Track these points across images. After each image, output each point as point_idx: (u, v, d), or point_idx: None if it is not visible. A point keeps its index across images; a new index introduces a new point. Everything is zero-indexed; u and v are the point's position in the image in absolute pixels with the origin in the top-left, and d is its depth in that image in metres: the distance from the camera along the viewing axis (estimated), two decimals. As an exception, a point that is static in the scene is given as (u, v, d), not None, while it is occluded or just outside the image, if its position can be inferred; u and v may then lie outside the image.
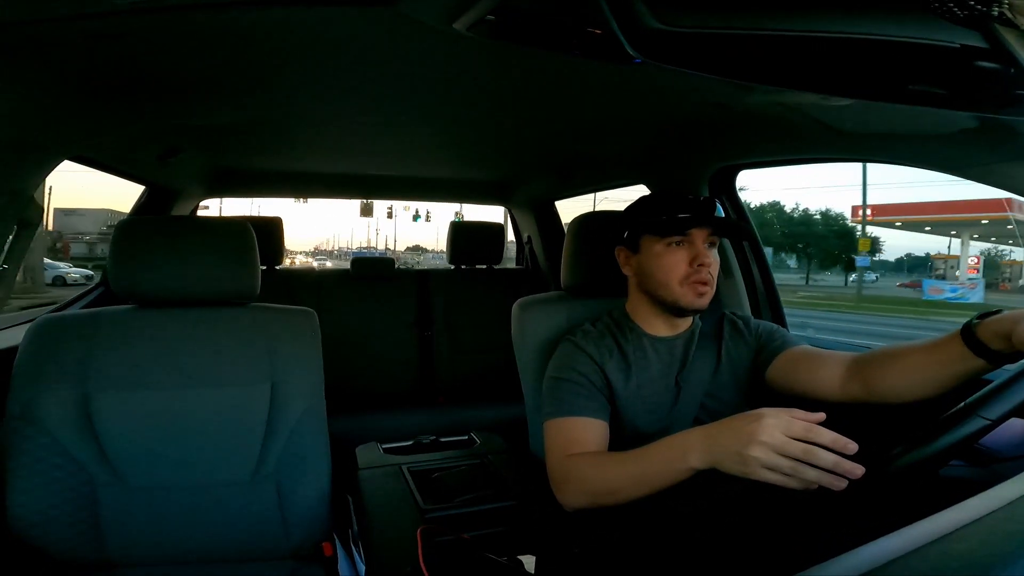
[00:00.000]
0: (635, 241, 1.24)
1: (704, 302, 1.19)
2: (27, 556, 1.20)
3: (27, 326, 1.30)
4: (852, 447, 0.77)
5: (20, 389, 1.23)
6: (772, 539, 0.98)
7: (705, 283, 1.17)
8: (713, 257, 1.19)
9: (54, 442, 1.22)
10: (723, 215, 1.21)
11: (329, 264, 21.38)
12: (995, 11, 0.54)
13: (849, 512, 0.88)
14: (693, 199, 1.20)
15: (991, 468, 1.02)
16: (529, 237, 3.36)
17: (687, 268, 1.17)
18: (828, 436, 0.78)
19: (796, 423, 0.80)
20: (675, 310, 1.22)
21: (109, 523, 1.24)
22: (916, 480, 0.87)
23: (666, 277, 1.18)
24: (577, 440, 1.12)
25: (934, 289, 21.86)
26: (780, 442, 0.79)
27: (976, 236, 24.38)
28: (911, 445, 0.89)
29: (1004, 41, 0.56)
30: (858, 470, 0.76)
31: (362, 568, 1.19)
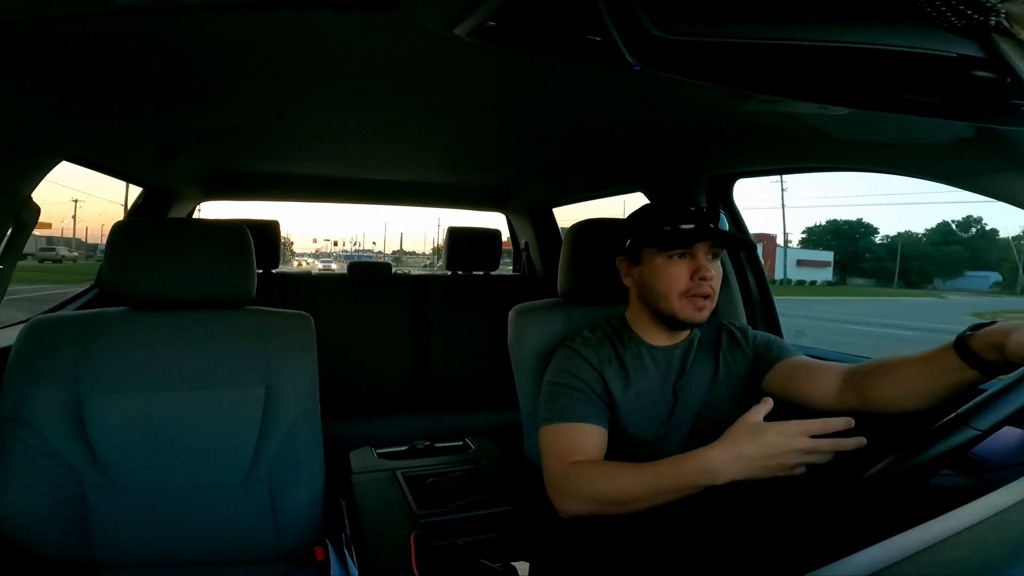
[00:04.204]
0: (636, 252, 1.24)
1: (703, 316, 1.18)
2: (15, 557, 1.19)
3: (21, 327, 1.30)
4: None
5: (12, 390, 1.22)
6: (764, 545, 0.98)
7: (706, 296, 1.17)
8: (716, 269, 1.18)
9: (44, 443, 1.21)
10: (726, 226, 1.20)
11: (334, 266, 22.26)
12: (992, 21, 0.54)
13: (841, 520, 0.89)
14: (696, 210, 1.18)
15: (983, 477, 1.02)
16: (526, 243, 3.36)
17: (688, 282, 1.16)
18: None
19: (811, 427, 0.88)
20: (674, 323, 1.21)
21: (98, 525, 1.23)
22: (907, 489, 0.88)
23: (667, 290, 1.18)
24: (576, 447, 1.12)
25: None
26: (804, 445, 0.86)
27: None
28: (903, 454, 0.89)
29: (1001, 51, 0.56)
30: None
31: (355, 572, 1.18)
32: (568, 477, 1.08)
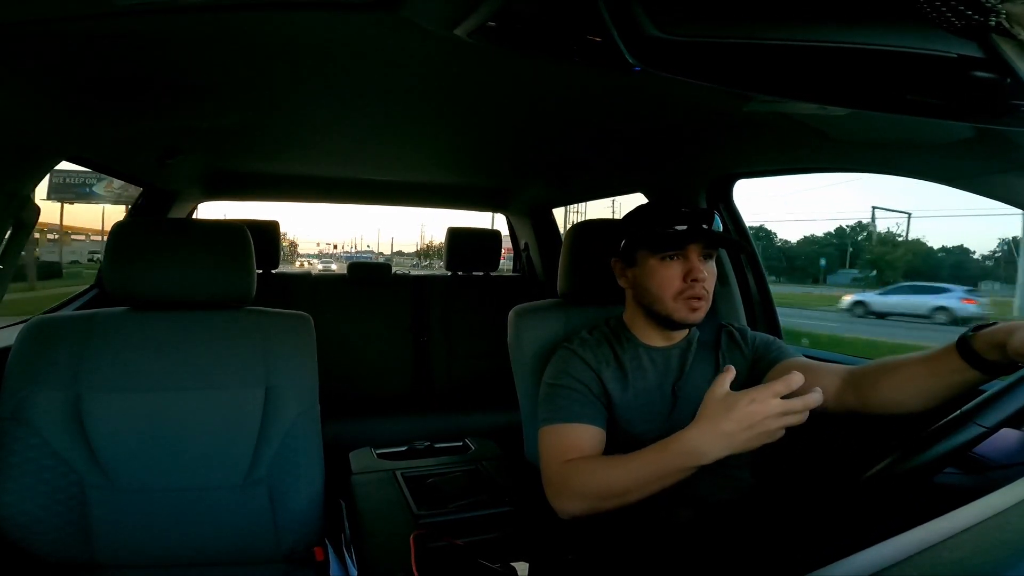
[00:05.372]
0: (630, 254, 1.24)
1: (697, 317, 1.18)
2: (14, 557, 1.19)
3: (21, 327, 1.30)
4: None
5: (12, 389, 1.22)
6: (764, 546, 0.98)
7: (699, 298, 1.16)
8: (709, 270, 1.18)
9: (44, 443, 1.21)
10: (720, 226, 1.20)
11: (334, 267, 23.52)
12: (992, 21, 0.54)
13: (843, 518, 0.89)
14: (688, 211, 1.17)
15: (985, 475, 1.02)
16: (526, 244, 3.37)
17: (681, 283, 1.16)
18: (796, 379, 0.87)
19: (777, 388, 0.87)
20: (668, 324, 1.21)
21: (98, 525, 1.23)
22: (911, 487, 0.88)
23: (660, 292, 1.17)
24: (574, 447, 1.12)
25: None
26: (778, 408, 0.86)
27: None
28: (907, 452, 0.89)
29: (1001, 51, 0.56)
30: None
31: (354, 573, 1.18)
32: (562, 476, 1.08)
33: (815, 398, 0.85)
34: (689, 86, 0.75)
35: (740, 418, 0.87)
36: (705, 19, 0.54)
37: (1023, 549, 0.48)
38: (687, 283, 1.15)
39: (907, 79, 0.61)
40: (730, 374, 0.93)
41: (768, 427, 0.86)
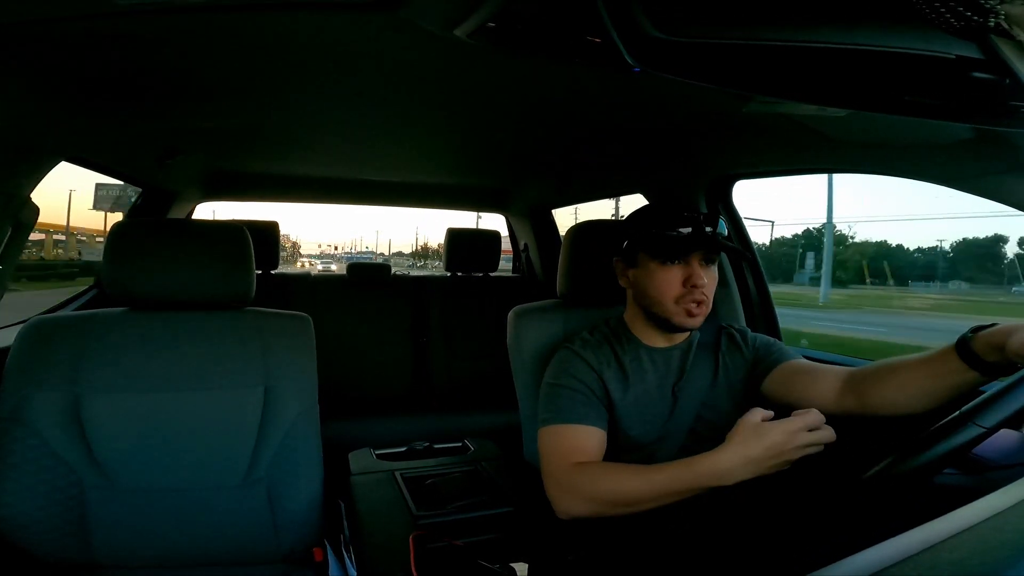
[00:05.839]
0: (632, 255, 1.23)
1: (696, 323, 1.18)
2: (13, 557, 1.19)
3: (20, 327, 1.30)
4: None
5: (10, 390, 1.22)
6: (765, 547, 0.98)
7: (698, 303, 1.16)
8: (710, 275, 1.18)
9: (43, 443, 1.21)
10: (725, 229, 1.20)
11: (333, 267, 24.00)
12: (991, 22, 0.54)
13: (843, 518, 0.89)
14: (692, 215, 1.17)
15: (985, 476, 1.02)
16: (526, 245, 3.37)
17: (681, 288, 1.16)
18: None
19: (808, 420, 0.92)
20: (667, 327, 1.21)
21: (97, 525, 1.23)
22: (911, 487, 0.88)
23: (659, 295, 1.17)
24: (577, 448, 1.11)
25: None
26: (802, 440, 0.90)
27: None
28: (906, 453, 0.89)
29: (1000, 52, 0.56)
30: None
31: (353, 573, 1.18)
32: (572, 478, 1.07)
33: (828, 435, 0.91)
34: (689, 86, 0.76)
35: (770, 446, 0.90)
36: (705, 20, 0.54)
37: (1023, 549, 0.48)
38: (687, 288, 1.16)
39: (906, 80, 0.61)
40: (767, 412, 0.96)
41: (792, 457, 0.90)
